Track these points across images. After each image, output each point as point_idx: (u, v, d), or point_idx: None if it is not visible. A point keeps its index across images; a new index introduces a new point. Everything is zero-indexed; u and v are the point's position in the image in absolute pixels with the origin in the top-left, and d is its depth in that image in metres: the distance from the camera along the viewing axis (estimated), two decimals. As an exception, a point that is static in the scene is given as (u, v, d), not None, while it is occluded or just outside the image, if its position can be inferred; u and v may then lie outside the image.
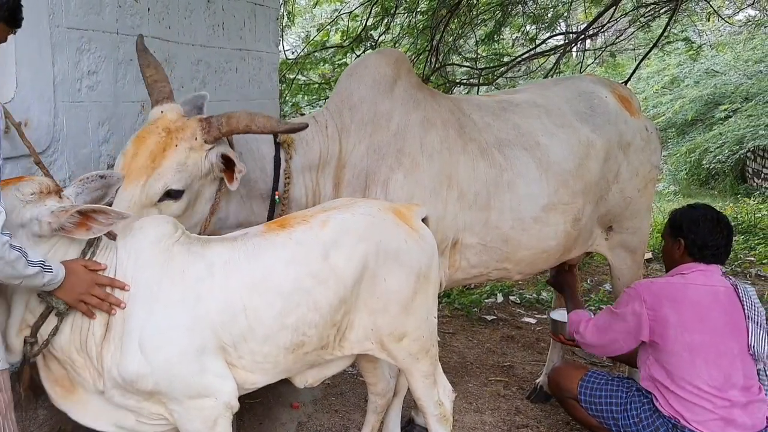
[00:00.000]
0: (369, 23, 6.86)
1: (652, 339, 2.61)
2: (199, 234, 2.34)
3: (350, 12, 7.36)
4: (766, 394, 2.56)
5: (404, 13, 7.11)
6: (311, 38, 7.66)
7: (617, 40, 7.74)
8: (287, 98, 6.94)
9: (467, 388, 3.78)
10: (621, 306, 2.72)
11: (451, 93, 7.08)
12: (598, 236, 3.27)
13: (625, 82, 6.62)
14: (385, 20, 6.87)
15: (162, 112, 2.31)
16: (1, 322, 1.88)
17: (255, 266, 2.03)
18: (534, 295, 5.53)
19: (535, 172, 2.89)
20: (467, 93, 7.51)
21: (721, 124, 11.74)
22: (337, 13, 7.68)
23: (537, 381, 3.74)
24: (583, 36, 6.95)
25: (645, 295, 2.63)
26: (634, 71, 7.20)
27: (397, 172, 2.67)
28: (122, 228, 2.05)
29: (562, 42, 7.58)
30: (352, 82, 2.78)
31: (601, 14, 6.72)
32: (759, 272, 6.29)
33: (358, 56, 6.79)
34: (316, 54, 7.19)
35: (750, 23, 11.90)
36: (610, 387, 2.82)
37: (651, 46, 6.84)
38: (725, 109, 11.74)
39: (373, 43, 6.88)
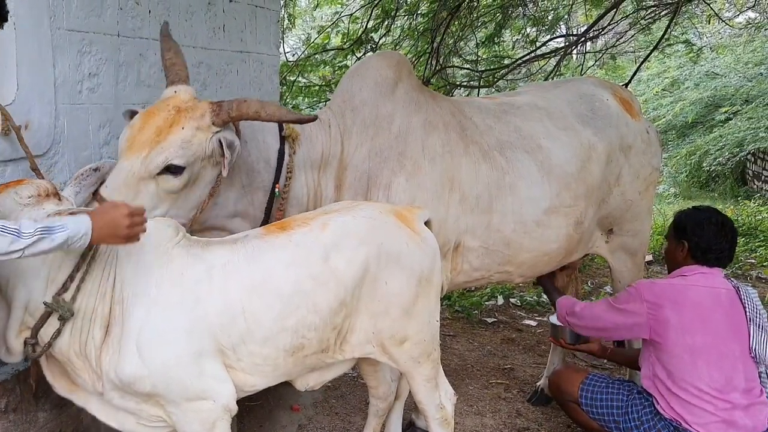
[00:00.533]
0: (369, 26, 6.86)
1: (653, 339, 2.61)
2: (194, 217, 2.34)
3: (351, 14, 7.37)
4: (767, 397, 2.56)
5: (405, 16, 7.11)
6: (312, 41, 7.66)
7: (617, 42, 7.72)
8: (287, 100, 6.94)
9: (468, 390, 3.77)
10: (621, 302, 2.71)
11: (452, 95, 7.09)
12: (598, 239, 3.27)
13: (626, 85, 6.62)
14: (386, 22, 6.87)
15: (175, 92, 2.32)
16: (0, 323, 1.88)
17: (254, 268, 2.02)
18: (535, 297, 5.53)
19: (537, 175, 2.88)
20: (467, 95, 7.51)
21: (722, 126, 11.74)
22: (337, 16, 7.68)
23: (538, 384, 3.73)
24: (583, 38, 6.94)
25: (646, 295, 2.63)
26: (634, 74, 7.20)
27: (399, 175, 2.67)
28: None
29: (562, 44, 7.58)
30: (354, 84, 2.78)
31: (601, 17, 6.72)
32: (760, 275, 6.29)
33: (359, 58, 6.80)
34: (316, 56, 7.18)
35: (750, 26, 11.92)
36: (611, 390, 2.81)
37: (651, 48, 6.84)
38: (725, 112, 11.75)
39: (373, 46, 6.88)
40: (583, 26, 8.55)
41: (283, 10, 6.78)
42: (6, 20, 1.83)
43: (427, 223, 2.37)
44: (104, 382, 1.93)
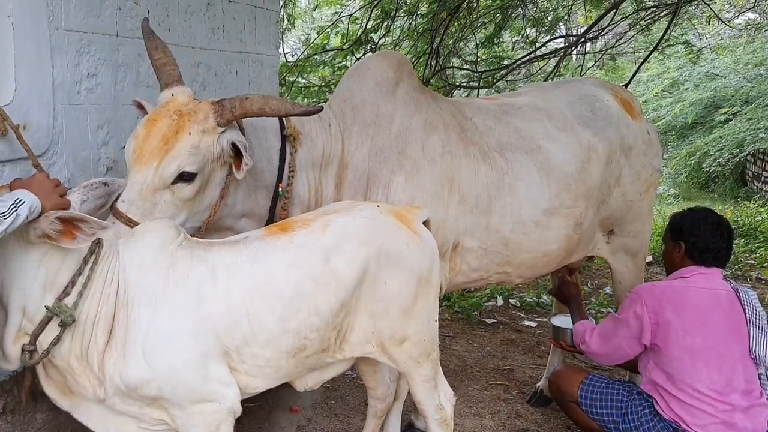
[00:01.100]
0: (369, 26, 6.85)
1: (654, 342, 2.61)
2: (209, 219, 2.32)
3: (350, 15, 7.36)
4: (767, 398, 2.55)
5: (404, 16, 7.11)
6: (311, 41, 7.66)
7: (617, 43, 7.72)
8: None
9: (467, 391, 3.77)
10: (623, 311, 2.72)
11: (451, 96, 7.08)
12: (599, 240, 3.27)
13: (626, 86, 6.61)
14: (385, 23, 6.87)
15: (173, 95, 2.28)
16: None
17: (257, 270, 2.02)
18: (534, 298, 5.53)
19: (537, 176, 2.88)
20: (467, 96, 7.51)
21: (721, 127, 11.75)
22: (337, 16, 7.68)
23: (537, 385, 3.73)
24: (583, 39, 6.94)
25: (646, 298, 2.63)
26: (634, 74, 7.20)
27: (399, 174, 2.66)
28: (125, 233, 2.04)
29: (562, 45, 7.58)
30: (354, 83, 2.77)
31: (601, 17, 6.72)
32: (759, 275, 6.29)
33: (358, 59, 6.79)
34: (316, 57, 7.18)
35: (750, 26, 11.92)
36: (611, 390, 2.81)
37: (651, 49, 6.84)
38: (725, 113, 11.75)
39: (373, 46, 6.88)
40: (582, 27, 8.54)
41: (282, 11, 6.78)
42: None
43: (425, 223, 2.36)
44: (107, 387, 1.91)
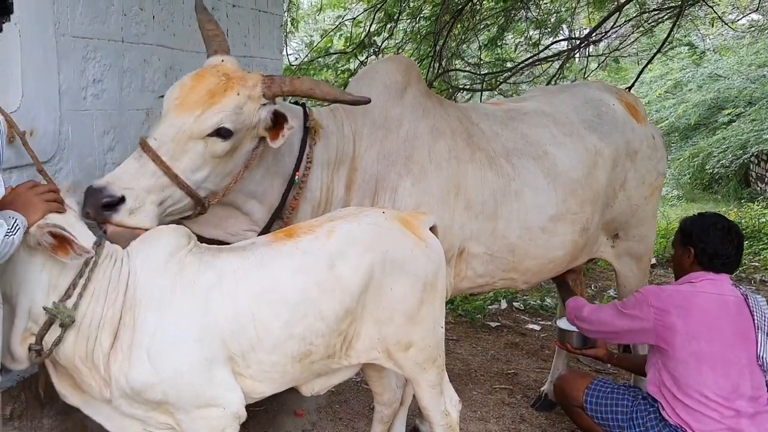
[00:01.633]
0: (372, 29, 6.86)
1: (659, 345, 2.60)
2: (227, 186, 2.34)
3: (354, 18, 7.37)
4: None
5: (407, 19, 7.11)
6: (314, 45, 7.66)
7: (620, 46, 7.71)
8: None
9: (471, 396, 3.77)
10: (628, 307, 2.71)
11: (455, 98, 7.08)
12: (604, 243, 3.27)
13: (629, 88, 6.61)
14: (389, 26, 6.87)
15: (222, 60, 2.34)
16: (5, 331, 1.87)
17: (263, 275, 2.03)
18: (538, 301, 5.52)
19: (543, 182, 2.88)
20: (470, 98, 7.51)
21: (725, 128, 11.74)
22: (340, 20, 7.68)
23: (542, 389, 3.72)
24: (586, 42, 6.93)
25: (653, 301, 2.62)
26: (637, 77, 7.18)
27: (406, 179, 2.67)
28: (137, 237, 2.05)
29: (565, 47, 7.58)
30: (364, 86, 2.78)
31: (604, 20, 6.72)
32: (763, 278, 6.28)
33: (362, 62, 6.80)
34: (319, 60, 7.18)
35: (753, 28, 11.90)
36: (616, 395, 2.81)
37: (655, 52, 6.83)
38: (729, 114, 11.74)
39: (376, 49, 6.88)
40: (585, 28, 8.53)
41: (286, 14, 6.78)
42: (11, 12, 1.80)
43: (432, 229, 2.36)
44: (113, 389, 1.93)
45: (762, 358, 2.52)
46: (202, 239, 2.27)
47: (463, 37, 7.21)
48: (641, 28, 7.17)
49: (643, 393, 2.77)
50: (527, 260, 2.91)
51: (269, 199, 2.53)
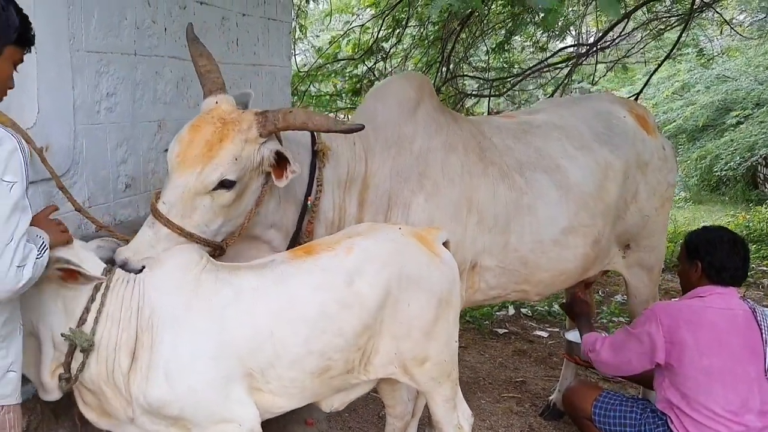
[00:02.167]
0: (380, 35, 6.87)
1: (668, 362, 2.60)
2: (243, 225, 2.35)
3: (362, 25, 7.38)
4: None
5: (415, 25, 7.11)
6: (323, 51, 7.67)
7: (629, 53, 7.68)
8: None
9: (480, 404, 3.77)
10: (637, 327, 2.72)
11: (463, 103, 7.08)
12: (615, 255, 3.27)
13: (637, 96, 6.60)
14: (397, 32, 6.88)
15: (216, 102, 2.33)
16: (28, 359, 1.90)
17: (282, 292, 2.05)
18: (546, 307, 5.51)
19: (555, 195, 2.89)
20: (476, 103, 7.50)
21: (733, 130, 11.66)
22: (349, 26, 7.69)
23: (550, 398, 3.73)
24: (594, 48, 6.91)
25: (662, 317, 2.63)
26: (645, 83, 7.16)
27: (419, 195, 2.68)
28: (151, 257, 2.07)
29: (573, 53, 7.56)
30: (377, 104, 2.80)
31: (613, 26, 6.71)
32: (772, 283, 6.25)
33: (369, 68, 6.81)
34: (327, 66, 7.20)
35: (761, 30, 11.82)
36: (625, 408, 2.81)
37: (663, 58, 6.81)
38: (737, 115, 11.66)
39: (384, 55, 6.89)
40: (593, 31, 8.50)
41: (294, 21, 6.81)
42: (32, 44, 1.83)
43: (445, 244, 2.38)
44: (134, 407, 1.95)
45: (771, 372, 2.52)
46: None
47: (470, 42, 7.21)
48: (650, 34, 7.14)
49: (651, 406, 2.78)
50: (539, 272, 2.92)
51: (286, 225, 2.55)
